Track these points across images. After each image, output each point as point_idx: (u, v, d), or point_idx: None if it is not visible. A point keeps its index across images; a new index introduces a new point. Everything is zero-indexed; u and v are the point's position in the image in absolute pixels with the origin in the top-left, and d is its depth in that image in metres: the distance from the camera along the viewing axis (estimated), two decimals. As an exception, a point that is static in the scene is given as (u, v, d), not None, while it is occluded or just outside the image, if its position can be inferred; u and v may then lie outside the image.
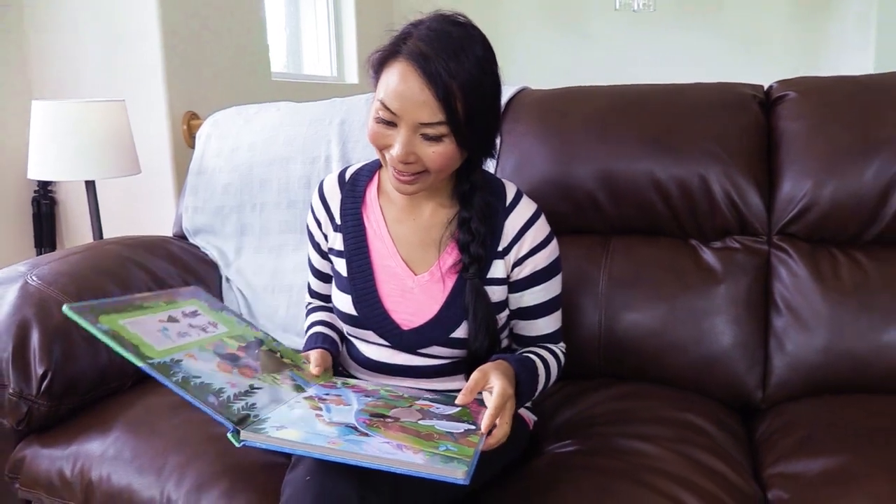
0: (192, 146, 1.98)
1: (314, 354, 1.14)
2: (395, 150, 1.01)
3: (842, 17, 3.61)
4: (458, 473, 0.80)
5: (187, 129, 2.48)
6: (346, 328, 1.21)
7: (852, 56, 3.40)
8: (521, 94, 1.67)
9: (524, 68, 4.15)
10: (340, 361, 1.25)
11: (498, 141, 1.14)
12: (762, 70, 1.55)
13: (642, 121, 1.49)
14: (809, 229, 1.39)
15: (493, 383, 0.95)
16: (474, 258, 1.09)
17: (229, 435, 0.87)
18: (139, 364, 0.87)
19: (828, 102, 1.44)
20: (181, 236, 1.86)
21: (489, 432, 0.92)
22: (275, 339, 1.15)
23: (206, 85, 2.58)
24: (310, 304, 1.35)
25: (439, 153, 1.01)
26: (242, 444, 0.86)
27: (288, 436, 0.86)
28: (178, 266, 1.67)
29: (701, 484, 1.03)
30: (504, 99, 1.59)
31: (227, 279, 1.76)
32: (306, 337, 1.25)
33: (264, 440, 0.86)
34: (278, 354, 1.11)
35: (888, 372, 1.28)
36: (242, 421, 0.88)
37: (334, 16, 3.77)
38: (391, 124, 1.01)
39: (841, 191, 1.35)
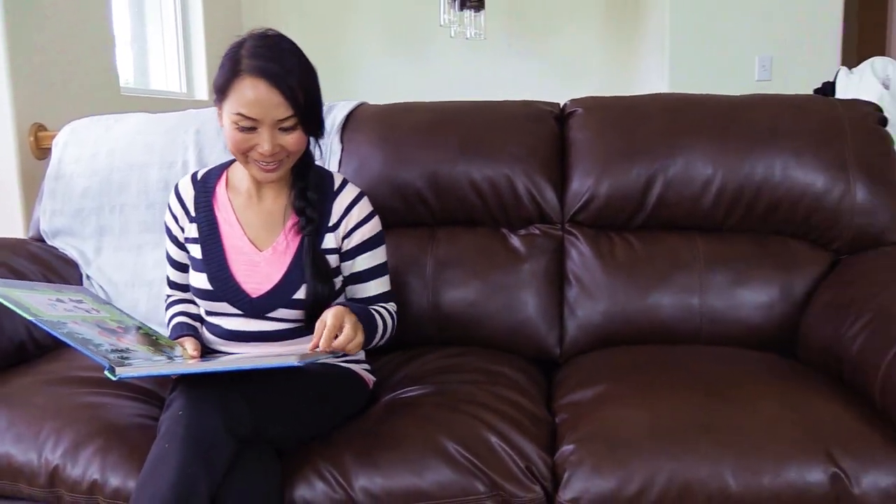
0: (40, 157, 2.06)
1: (189, 341, 1.33)
2: (264, 147, 1.25)
3: (645, 49, 4.17)
4: (292, 359, 1.04)
5: (35, 141, 2.53)
6: (203, 305, 1.40)
7: (653, 80, 3.94)
8: (360, 108, 1.91)
9: (369, 89, 4.44)
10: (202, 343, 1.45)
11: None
12: (579, 92, 1.86)
13: (460, 131, 1.78)
14: (592, 217, 1.73)
15: (327, 313, 1.19)
16: (310, 219, 1.34)
17: (106, 372, 1.04)
18: (32, 318, 1.03)
19: (605, 117, 1.79)
20: (38, 239, 1.95)
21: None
22: (152, 328, 1.33)
23: (53, 98, 2.64)
24: (169, 296, 1.52)
25: (295, 139, 1.28)
26: (118, 378, 1.04)
27: (157, 367, 1.06)
28: (41, 265, 1.78)
29: (503, 409, 1.30)
30: (344, 112, 1.85)
31: (88, 276, 1.87)
32: (170, 327, 1.43)
33: (136, 370, 1.05)
34: (154, 338, 1.29)
35: (652, 326, 1.63)
36: (118, 366, 1.06)
37: (182, 33, 3.86)
38: (252, 129, 1.24)
39: (614, 187, 1.70)
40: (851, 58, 4.02)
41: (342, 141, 1.82)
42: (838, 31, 3.59)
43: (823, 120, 1.72)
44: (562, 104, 1.91)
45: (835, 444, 1.14)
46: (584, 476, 1.15)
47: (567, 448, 1.20)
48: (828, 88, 2.64)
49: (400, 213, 1.77)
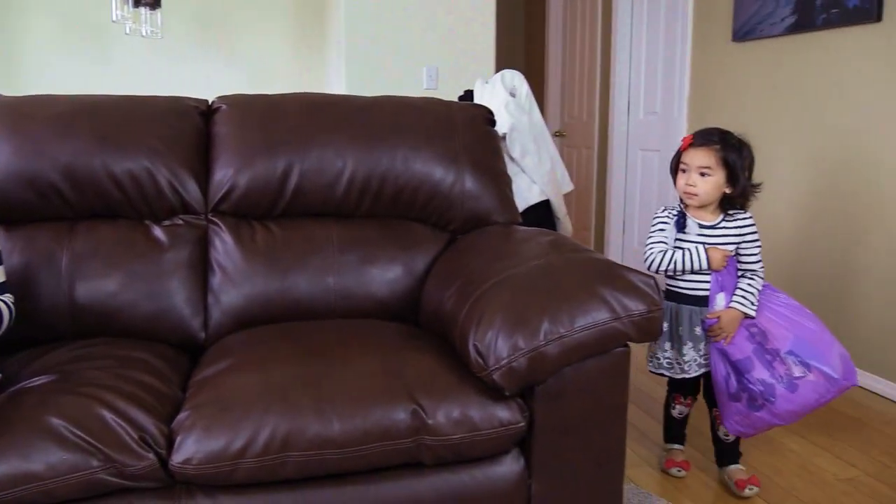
0: None
1: None
2: None
3: (327, 55, 4.37)
4: None
5: None
6: None
7: (334, 85, 4.16)
8: (-7, 100, 1.82)
9: (39, 84, 4.13)
10: None
11: None
12: (266, 92, 1.99)
13: (99, 124, 1.77)
14: (234, 207, 1.83)
15: None
16: None
17: None
18: None
19: (248, 113, 1.90)
20: None
21: None
22: None
23: None
24: None
25: None
26: None
27: None
28: None
29: (127, 389, 1.34)
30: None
31: None
32: None
33: None
34: None
35: (290, 306, 1.77)
36: None
37: None
38: None
39: (254, 177, 1.82)
40: (518, 67, 4.63)
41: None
42: (492, 46, 4.08)
43: (439, 119, 2.00)
44: (210, 101, 1.99)
45: (417, 387, 1.35)
46: (195, 438, 1.24)
47: (182, 415, 1.28)
48: (468, 96, 3.01)
49: (34, 208, 1.72)
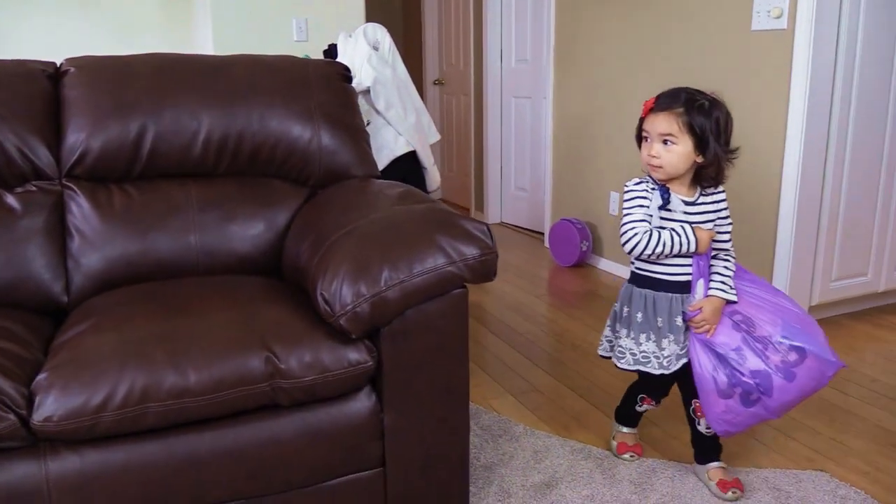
0: None
1: None
2: None
3: (195, 10, 4.27)
4: None
5: None
6: None
7: (199, 35, 4.08)
8: None
9: None
10: None
11: None
12: (135, 51, 1.93)
13: (-63, 91, 1.74)
14: (89, 171, 1.84)
15: None
16: None
17: None
18: None
19: (98, 75, 1.90)
20: None
21: None
22: None
23: None
24: None
25: None
26: None
27: None
28: None
29: (-17, 355, 1.38)
30: None
31: None
32: None
33: None
34: None
35: (152, 266, 1.82)
36: None
37: None
38: None
39: (107, 141, 1.83)
40: (395, 18, 4.65)
41: None
42: (362, -2, 4.10)
43: (294, 77, 2.05)
44: (58, 63, 1.97)
45: (270, 335, 1.44)
46: (55, 397, 1.30)
47: (41, 377, 1.34)
48: (333, 50, 3.05)
49: None
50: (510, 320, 3.17)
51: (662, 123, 1.66)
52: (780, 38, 2.79)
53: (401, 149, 2.84)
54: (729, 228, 1.79)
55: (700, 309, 1.71)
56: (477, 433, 2.15)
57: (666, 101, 1.67)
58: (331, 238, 1.61)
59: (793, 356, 1.67)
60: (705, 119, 1.63)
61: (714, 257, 1.78)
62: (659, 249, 1.69)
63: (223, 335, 1.43)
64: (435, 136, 3.08)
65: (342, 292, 1.45)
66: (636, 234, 1.70)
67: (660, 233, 1.70)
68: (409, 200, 1.72)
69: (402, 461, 1.59)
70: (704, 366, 1.72)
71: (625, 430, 2.06)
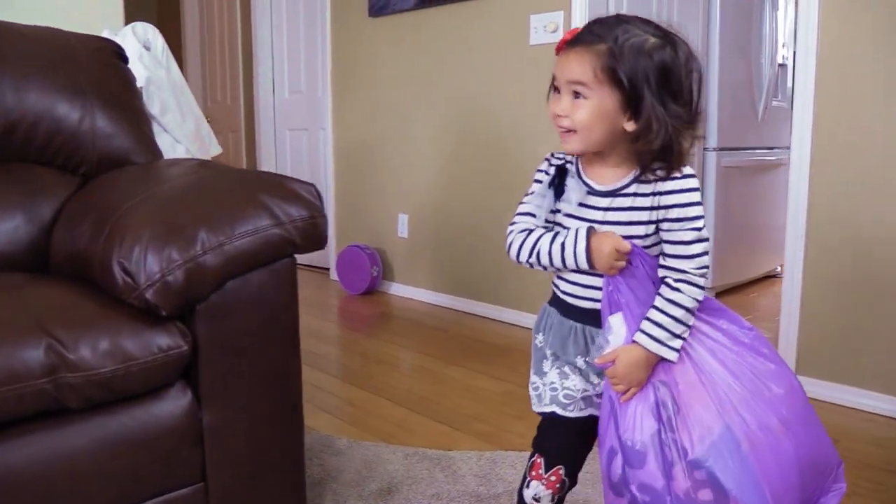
0: None
1: None
2: None
3: None
4: None
5: None
6: None
7: None
8: None
9: None
10: None
11: None
12: None
13: None
14: None
15: None
16: None
17: None
18: None
19: None
20: None
21: None
22: None
23: None
24: None
25: None
26: None
27: None
28: None
29: None
30: None
31: None
32: None
33: None
34: None
35: None
36: None
37: None
38: None
39: None
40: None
41: None
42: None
43: (55, 47, 1.73)
44: None
45: (49, 320, 1.12)
46: None
47: None
48: (93, 49, 2.70)
49: None
50: (307, 345, 2.94)
51: (573, 67, 1.07)
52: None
53: (180, 158, 2.55)
54: (689, 237, 1.09)
55: (614, 361, 1.10)
56: (296, 453, 1.90)
57: (588, 34, 1.07)
58: (121, 208, 1.32)
59: (704, 495, 1.03)
60: (641, 61, 1.04)
61: (663, 282, 1.10)
62: (533, 259, 1.14)
63: (-13, 323, 1.09)
64: (217, 149, 2.81)
65: (147, 259, 1.17)
66: (511, 232, 1.17)
67: (540, 234, 1.14)
68: (215, 167, 1.49)
69: (226, 472, 1.31)
70: (606, 438, 1.14)
71: None
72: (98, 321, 1.16)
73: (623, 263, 1.09)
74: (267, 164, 4.79)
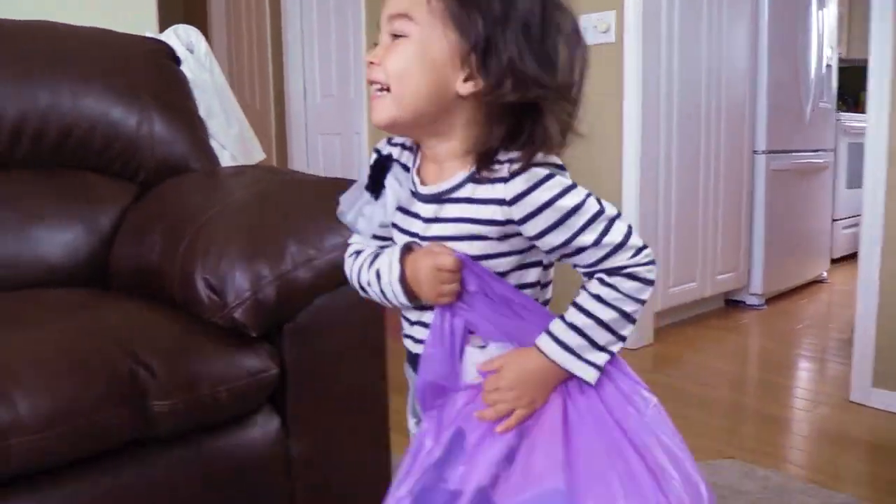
0: None
1: None
2: None
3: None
4: None
5: None
6: None
7: None
8: None
9: None
10: None
11: None
12: None
13: None
14: None
15: None
16: None
17: None
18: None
19: None
20: None
21: None
22: None
23: None
24: None
25: None
26: None
27: None
28: None
29: None
30: None
31: None
32: None
33: None
34: None
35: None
36: None
37: None
38: None
39: None
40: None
41: None
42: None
43: (110, 49, 1.65)
44: None
45: (135, 346, 1.03)
46: None
47: None
48: (135, 52, 2.62)
49: None
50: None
51: None
52: (611, 50, 2.84)
53: (225, 163, 2.46)
54: (588, 241, 0.73)
55: (499, 368, 0.78)
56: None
57: None
58: (198, 220, 1.23)
59: None
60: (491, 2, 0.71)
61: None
62: (367, 294, 0.85)
63: (64, 346, 1.00)
64: (260, 154, 2.72)
65: (235, 275, 1.08)
66: (348, 250, 0.91)
67: (365, 258, 0.86)
68: (283, 174, 1.39)
69: (312, 504, 1.22)
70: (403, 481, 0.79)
71: None
72: (184, 343, 1.07)
73: (456, 286, 0.76)
74: (299, 168, 4.71)
